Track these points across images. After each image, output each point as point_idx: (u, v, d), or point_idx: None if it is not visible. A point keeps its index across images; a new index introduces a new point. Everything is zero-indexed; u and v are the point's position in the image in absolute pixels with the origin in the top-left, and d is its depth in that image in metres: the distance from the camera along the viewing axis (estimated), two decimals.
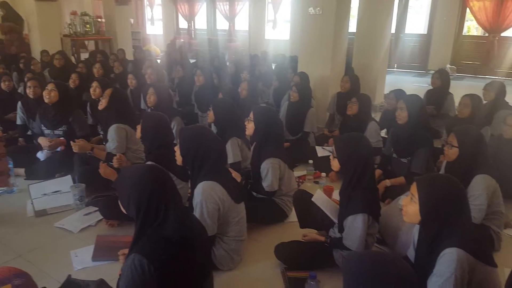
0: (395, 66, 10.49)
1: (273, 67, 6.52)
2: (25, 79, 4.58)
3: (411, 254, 1.71)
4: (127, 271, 1.34)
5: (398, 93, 3.96)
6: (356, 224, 1.89)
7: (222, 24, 12.64)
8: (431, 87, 4.76)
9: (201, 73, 4.53)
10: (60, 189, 2.99)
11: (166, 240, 1.39)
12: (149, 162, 2.43)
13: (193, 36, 13.06)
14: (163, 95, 3.68)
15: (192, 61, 7.99)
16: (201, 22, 13.12)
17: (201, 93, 4.49)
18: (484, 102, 4.05)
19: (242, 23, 12.06)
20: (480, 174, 2.26)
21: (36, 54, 7.14)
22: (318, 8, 4.57)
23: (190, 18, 13.07)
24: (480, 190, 2.23)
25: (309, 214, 2.29)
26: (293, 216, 2.61)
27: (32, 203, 2.82)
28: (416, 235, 1.67)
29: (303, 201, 2.33)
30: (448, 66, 9.70)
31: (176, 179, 2.44)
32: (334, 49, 4.57)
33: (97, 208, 2.70)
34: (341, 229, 2.01)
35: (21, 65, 5.77)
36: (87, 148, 2.96)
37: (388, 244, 2.27)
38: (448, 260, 1.41)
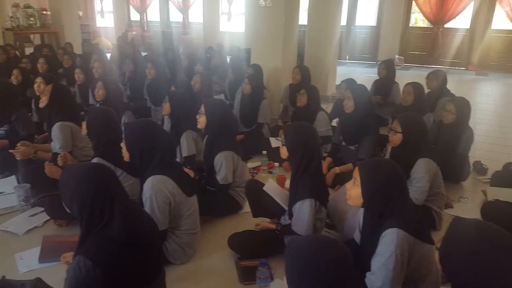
0: (347, 57, 10.84)
1: (228, 59, 6.51)
2: None
3: (357, 236, 1.81)
4: (72, 273, 1.33)
5: (349, 83, 4.10)
6: (303, 209, 1.96)
7: (175, 16, 12.37)
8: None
9: (153, 65, 4.44)
10: (4, 191, 2.86)
11: (113, 240, 1.37)
12: (96, 159, 2.37)
13: (145, 28, 12.68)
14: (112, 89, 3.58)
15: (144, 54, 7.76)
16: (153, 14, 12.76)
17: (153, 87, 4.41)
18: (427, 90, 4.31)
19: (196, 15, 11.87)
20: (422, 158, 2.39)
21: None
22: (269, 1, 4.62)
23: (142, 10, 12.66)
24: (422, 173, 2.37)
25: (261, 203, 2.35)
26: (247, 207, 2.65)
27: None
28: (361, 218, 1.76)
29: (255, 190, 2.39)
30: (397, 56, 10.17)
31: (126, 175, 2.41)
32: (285, 41, 4.65)
33: (43, 209, 2.60)
34: (291, 216, 2.08)
35: None
36: (29, 153, 2.80)
37: (337, 228, 2.37)
38: (389, 240, 1.51)
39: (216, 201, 2.54)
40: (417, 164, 2.39)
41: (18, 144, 2.82)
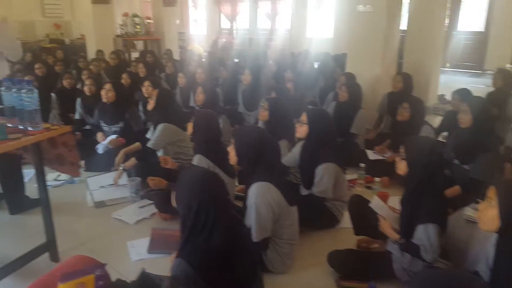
0: (448, 65, 9.96)
1: (315, 65, 6.41)
2: (82, 77, 4.84)
3: (482, 269, 1.57)
4: (177, 273, 1.37)
5: (463, 94, 3.69)
6: (429, 234, 1.78)
7: (263, 23, 12.65)
8: (490, 88, 4.46)
9: (250, 72, 4.54)
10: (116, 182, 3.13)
11: (212, 250, 1.41)
12: (197, 156, 2.51)
13: (234, 35, 13.17)
14: (211, 94, 3.77)
15: (236, 60, 8.04)
16: (242, 21, 13.20)
17: (248, 92, 4.50)
18: None
19: (283, 22, 11.99)
20: None
21: (91, 53, 7.52)
22: (368, 6, 4.44)
23: (232, 18, 13.19)
24: None
25: (365, 221, 2.20)
26: (344, 222, 2.55)
27: (91, 194, 2.99)
28: (491, 250, 1.53)
29: (359, 207, 2.25)
30: (508, 65, 9.07)
31: (223, 174, 2.47)
32: (385, 48, 4.42)
33: (151, 202, 2.80)
34: (407, 237, 1.91)
35: (80, 64, 6.10)
36: (162, 185, 2.71)
37: (450, 258, 2.13)
38: None
39: (313, 213, 2.44)
40: None
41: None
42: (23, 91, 1.97)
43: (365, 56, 4.51)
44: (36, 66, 5.14)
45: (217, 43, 11.34)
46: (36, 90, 1.98)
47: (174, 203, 1.51)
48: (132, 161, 3.01)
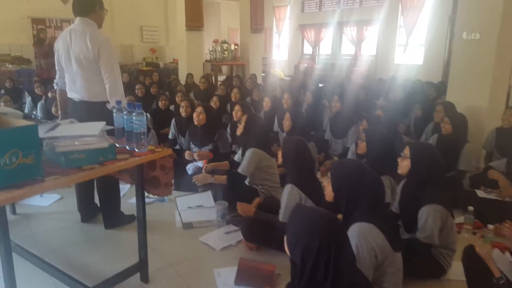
0: None
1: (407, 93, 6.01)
2: (176, 99, 5.13)
3: None
4: None
5: None
6: None
7: (347, 48, 12.43)
8: None
9: (338, 99, 4.40)
10: (203, 204, 3.18)
11: None
12: (289, 185, 2.41)
13: (316, 61, 13.15)
14: (299, 120, 3.69)
15: (319, 85, 7.95)
16: (325, 47, 13.14)
17: (337, 119, 4.35)
18: None
19: (369, 48, 11.65)
20: None
21: (182, 77, 8.05)
22: (475, 33, 4.07)
23: (315, 43, 13.22)
24: None
25: (482, 277, 1.89)
26: (451, 273, 2.25)
27: (180, 215, 3.06)
28: None
29: (475, 259, 1.94)
30: None
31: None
32: (494, 78, 3.96)
33: (237, 228, 2.76)
34: None
35: (175, 87, 6.53)
36: (250, 212, 2.71)
37: None
38: None
39: (416, 261, 2.16)
40: None
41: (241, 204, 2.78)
42: (134, 114, 2.08)
43: (470, 86, 4.09)
44: (137, 87, 5.62)
45: (299, 68, 11.43)
46: (145, 114, 2.07)
47: (286, 249, 1.40)
48: (223, 178, 3.03)
